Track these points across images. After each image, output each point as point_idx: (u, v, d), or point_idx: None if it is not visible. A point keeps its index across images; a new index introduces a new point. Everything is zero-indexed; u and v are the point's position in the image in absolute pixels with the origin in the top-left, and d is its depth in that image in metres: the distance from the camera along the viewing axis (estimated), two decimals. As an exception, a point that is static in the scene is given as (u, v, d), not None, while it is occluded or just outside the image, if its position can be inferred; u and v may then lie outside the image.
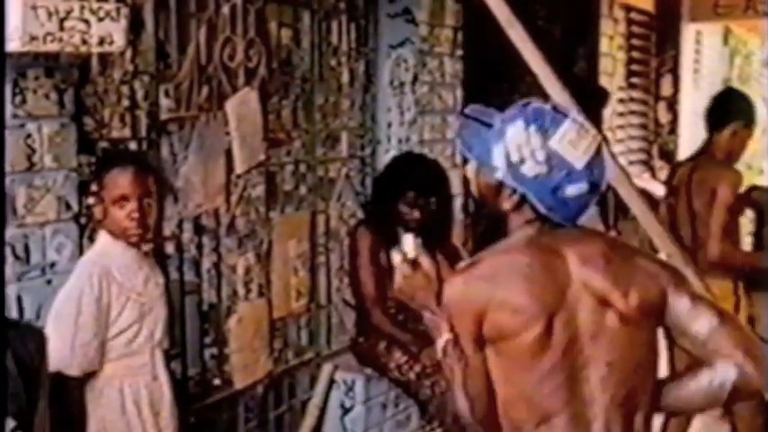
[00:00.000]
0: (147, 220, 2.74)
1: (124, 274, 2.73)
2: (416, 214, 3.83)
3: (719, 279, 3.93)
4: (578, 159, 2.01)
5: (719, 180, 4.01)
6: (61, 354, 2.56)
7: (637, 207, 2.19)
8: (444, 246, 3.89)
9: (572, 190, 2.02)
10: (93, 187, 2.75)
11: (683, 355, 2.13)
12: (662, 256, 2.41)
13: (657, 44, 8.08)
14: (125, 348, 2.73)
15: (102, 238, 2.76)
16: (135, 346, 2.75)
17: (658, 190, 5.57)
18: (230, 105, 3.67)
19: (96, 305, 2.64)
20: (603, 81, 6.96)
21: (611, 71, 7.17)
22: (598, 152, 2.02)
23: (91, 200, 2.77)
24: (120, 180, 2.70)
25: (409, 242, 2.06)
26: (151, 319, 2.80)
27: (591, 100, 6.19)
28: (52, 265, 2.89)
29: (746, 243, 4.72)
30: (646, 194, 3.79)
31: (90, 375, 2.68)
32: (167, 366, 2.92)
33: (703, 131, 4.44)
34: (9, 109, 2.71)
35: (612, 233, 5.51)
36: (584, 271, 2.02)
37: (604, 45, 7.01)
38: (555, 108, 2.08)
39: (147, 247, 2.88)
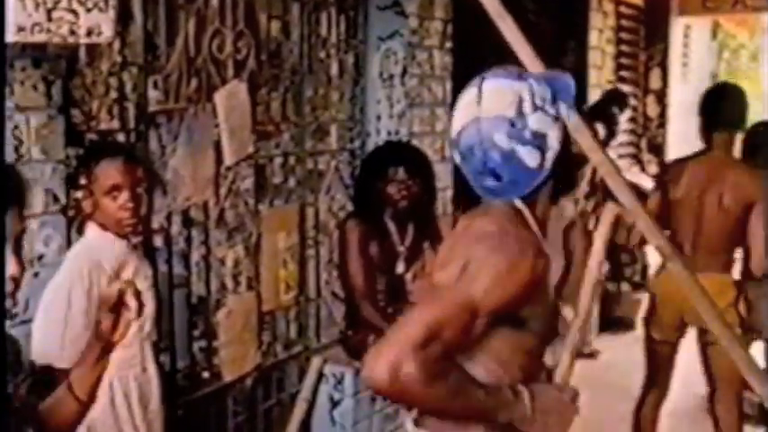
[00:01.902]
0: (140, 210, 2.74)
1: (114, 267, 2.72)
2: (404, 192, 3.83)
3: (718, 273, 3.97)
4: (455, 125, 2.01)
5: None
6: (51, 347, 2.55)
7: (626, 199, 2.18)
8: (432, 235, 3.90)
9: (455, 157, 2.03)
10: (82, 180, 2.73)
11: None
12: (651, 247, 2.40)
13: (646, 38, 8.10)
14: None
15: (91, 230, 2.75)
16: (124, 339, 2.74)
17: (647, 183, 5.58)
18: (219, 97, 3.66)
19: (86, 298, 2.63)
20: (593, 74, 6.98)
21: (601, 64, 7.18)
22: (471, 122, 1.95)
23: (79, 193, 2.75)
24: (111, 171, 2.68)
25: None
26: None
27: (607, 103, 6.22)
28: (40, 257, 2.88)
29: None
30: (635, 188, 3.77)
31: None
32: (156, 359, 2.92)
33: (692, 125, 4.41)
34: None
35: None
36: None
37: (594, 38, 7.02)
38: (510, 72, 2.02)
39: (135, 240, 2.87)
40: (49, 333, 2.58)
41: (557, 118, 1.95)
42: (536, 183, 1.95)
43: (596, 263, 1.96)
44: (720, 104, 4.20)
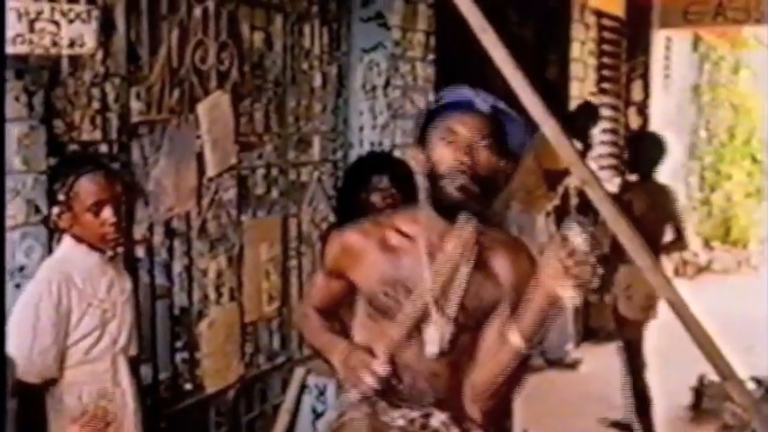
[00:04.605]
0: (123, 224, 2.72)
1: (86, 280, 2.68)
2: (389, 200, 3.81)
3: None
4: None
5: None
6: (20, 361, 2.51)
7: (607, 211, 2.19)
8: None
9: None
10: (60, 196, 2.68)
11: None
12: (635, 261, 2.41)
13: (628, 50, 8.15)
14: (84, 355, 2.67)
15: (66, 242, 2.72)
16: (95, 353, 2.69)
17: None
18: (202, 108, 3.66)
19: (55, 311, 2.59)
20: (574, 86, 7.01)
21: (583, 76, 7.21)
22: None
23: (56, 209, 2.70)
24: (92, 187, 2.65)
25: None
26: (114, 326, 2.75)
27: (579, 117, 6.29)
28: (21, 268, 2.86)
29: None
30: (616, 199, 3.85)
31: (50, 382, 2.64)
32: (132, 373, 2.87)
33: (672, 137, 4.52)
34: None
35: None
36: None
37: (576, 50, 7.05)
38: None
39: (111, 252, 2.82)
40: (17, 346, 2.52)
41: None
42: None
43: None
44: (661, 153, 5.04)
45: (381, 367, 2.15)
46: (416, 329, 2.16)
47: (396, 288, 2.16)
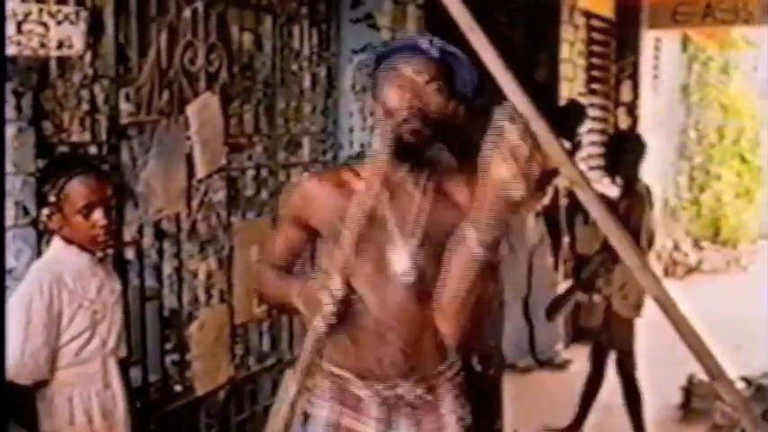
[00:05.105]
0: (113, 226, 2.73)
1: (77, 281, 2.68)
2: None
3: None
4: None
5: None
6: (11, 362, 2.51)
7: (596, 211, 2.20)
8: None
9: None
10: (51, 198, 2.68)
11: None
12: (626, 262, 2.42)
13: (617, 50, 8.17)
14: (75, 356, 2.67)
15: (56, 243, 2.71)
16: (86, 354, 2.69)
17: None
18: (191, 110, 3.65)
19: (46, 312, 2.59)
20: (564, 87, 7.02)
21: (572, 77, 7.23)
22: None
23: (46, 210, 2.70)
24: (83, 189, 2.65)
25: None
26: (104, 327, 2.75)
27: (567, 116, 6.30)
28: (10, 271, 2.85)
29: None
30: (605, 199, 3.86)
31: (41, 384, 2.64)
32: (122, 375, 2.87)
33: (661, 137, 4.51)
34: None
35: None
36: None
37: (565, 51, 7.07)
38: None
39: (101, 254, 2.82)
40: (9, 348, 2.53)
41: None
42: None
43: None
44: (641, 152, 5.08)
45: (334, 284, 2.13)
46: (382, 267, 2.22)
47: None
